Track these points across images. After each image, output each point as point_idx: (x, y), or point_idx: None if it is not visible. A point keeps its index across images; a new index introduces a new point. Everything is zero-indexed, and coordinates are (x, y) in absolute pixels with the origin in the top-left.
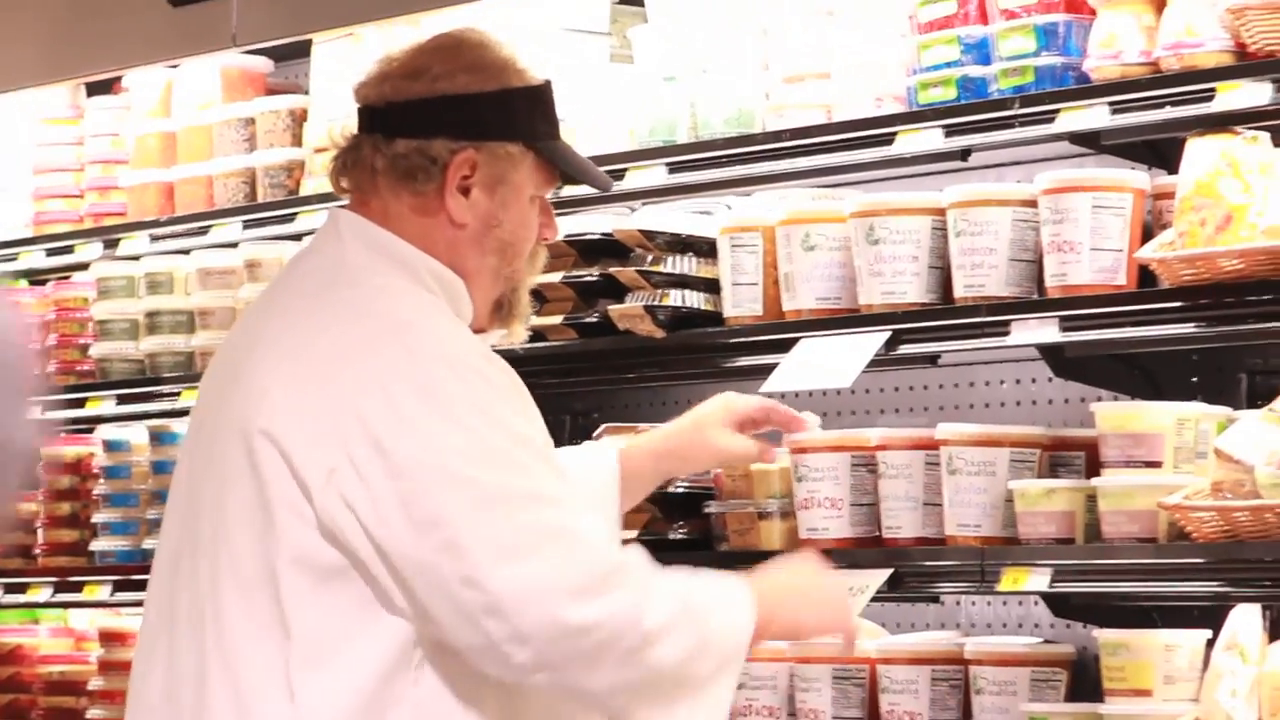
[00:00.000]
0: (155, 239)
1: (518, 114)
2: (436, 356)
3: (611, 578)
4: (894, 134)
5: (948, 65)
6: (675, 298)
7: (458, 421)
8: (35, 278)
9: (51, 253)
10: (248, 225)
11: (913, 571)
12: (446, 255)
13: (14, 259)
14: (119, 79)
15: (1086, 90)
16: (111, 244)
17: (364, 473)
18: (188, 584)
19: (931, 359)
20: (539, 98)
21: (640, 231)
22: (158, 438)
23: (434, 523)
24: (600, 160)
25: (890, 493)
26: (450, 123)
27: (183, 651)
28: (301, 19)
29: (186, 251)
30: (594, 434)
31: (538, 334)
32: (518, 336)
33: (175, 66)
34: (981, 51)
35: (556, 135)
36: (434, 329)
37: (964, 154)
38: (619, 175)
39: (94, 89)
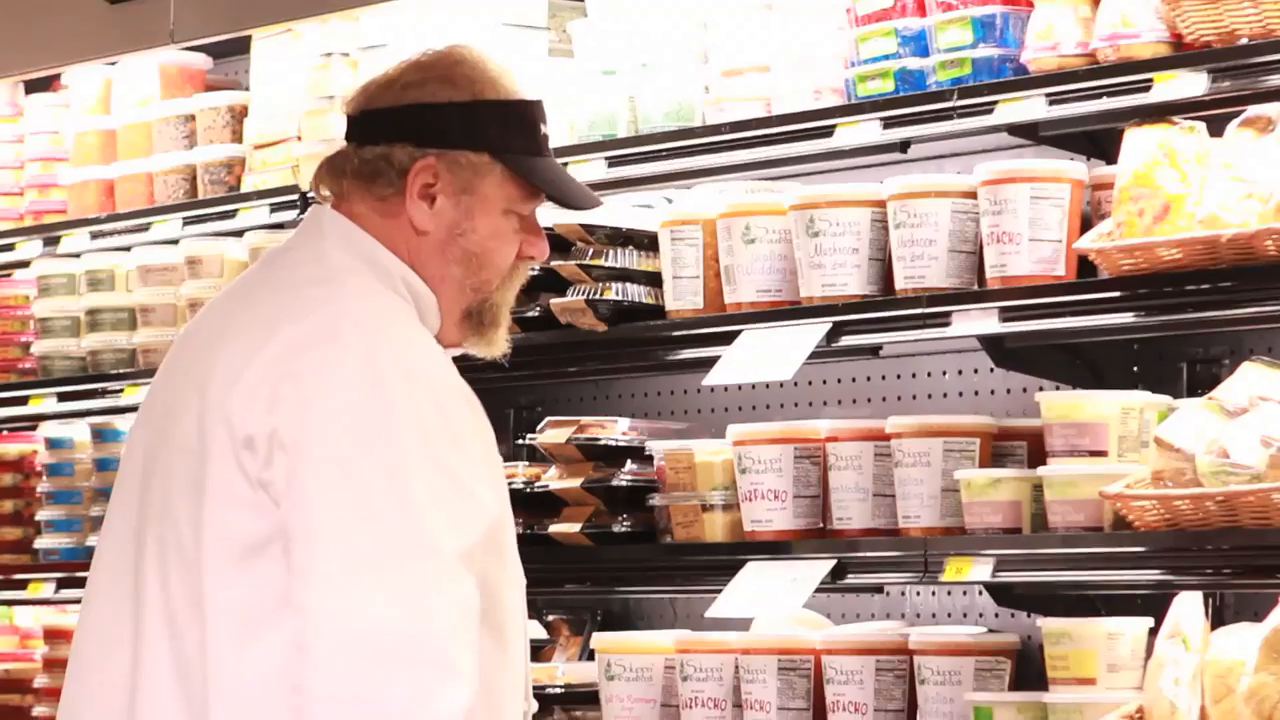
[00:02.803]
0: (96, 236)
1: (486, 125)
2: (390, 360)
3: (424, 659)
4: (833, 126)
5: (886, 58)
6: (616, 291)
7: (382, 436)
8: None
9: None
10: (188, 222)
11: (857, 562)
12: (409, 261)
13: None
14: (58, 76)
15: (1024, 82)
16: (52, 241)
17: (285, 454)
18: (134, 562)
19: (873, 350)
20: (516, 112)
21: (581, 225)
22: (100, 435)
23: (299, 536)
24: None
25: (840, 484)
26: (413, 130)
27: (127, 631)
28: (239, 16)
29: (127, 248)
30: (537, 427)
31: None
32: (494, 350)
33: (114, 64)
34: (919, 44)
35: (537, 151)
36: (395, 333)
37: (903, 146)
38: None
39: (33, 86)
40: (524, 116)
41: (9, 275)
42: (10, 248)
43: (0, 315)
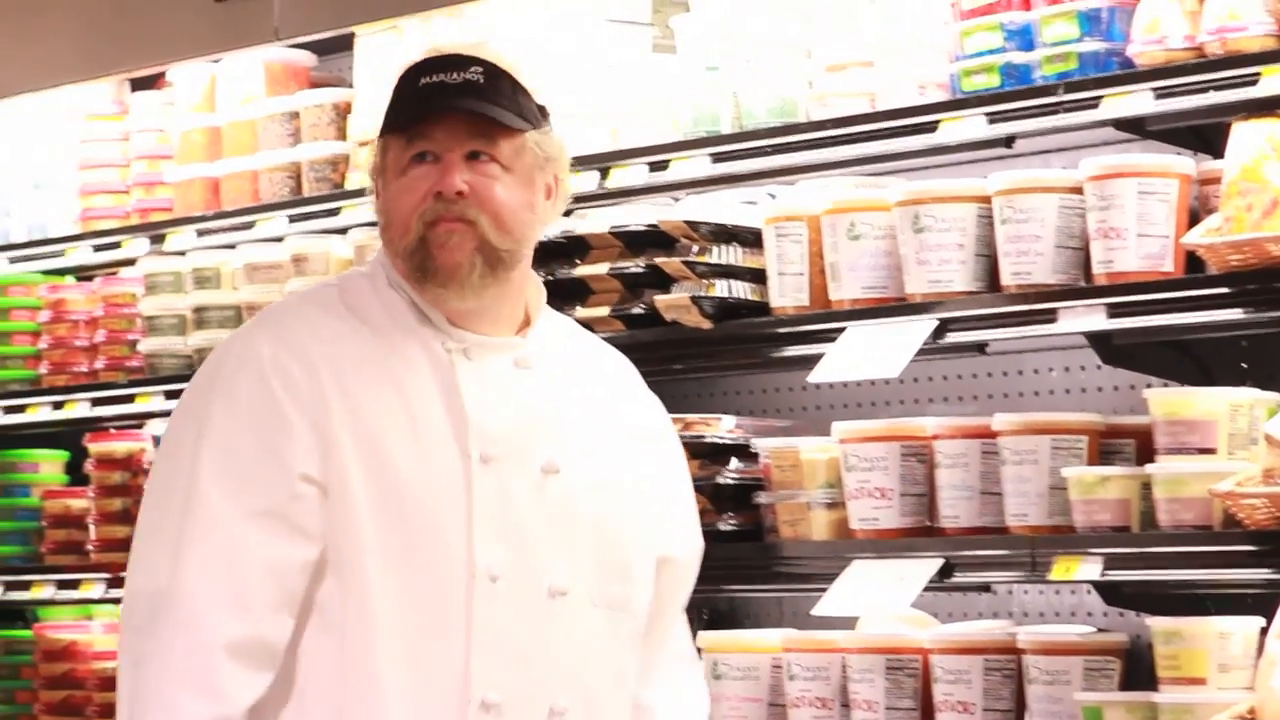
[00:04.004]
0: (202, 234)
1: (387, 111)
2: (233, 346)
3: (169, 621)
4: (938, 122)
5: (991, 52)
6: (721, 288)
7: (187, 416)
8: (83, 274)
9: (99, 249)
10: (293, 219)
11: (964, 561)
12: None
13: (61, 255)
14: (163, 74)
15: (1130, 76)
16: (158, 239)
17: None
18: None
19: (979, 347)
20: (396, 88)
21: (685, 222)
22: None
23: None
24: (644, 151)
25: (947, 482)
26: None
27: None
28: (343, 12)
29: (233, 246)
30: None
31: (585, 326)
32: (464, 298)
33: (218, 61)
34: (1025, 38)
35: (400, 125)
36: (268, 319)
37: (1008, 141)
38: (663, 165)
39: (138, 84)
40: (399, 87)
41: (115, 273)
42: (116, 246)
43: (107, 313)
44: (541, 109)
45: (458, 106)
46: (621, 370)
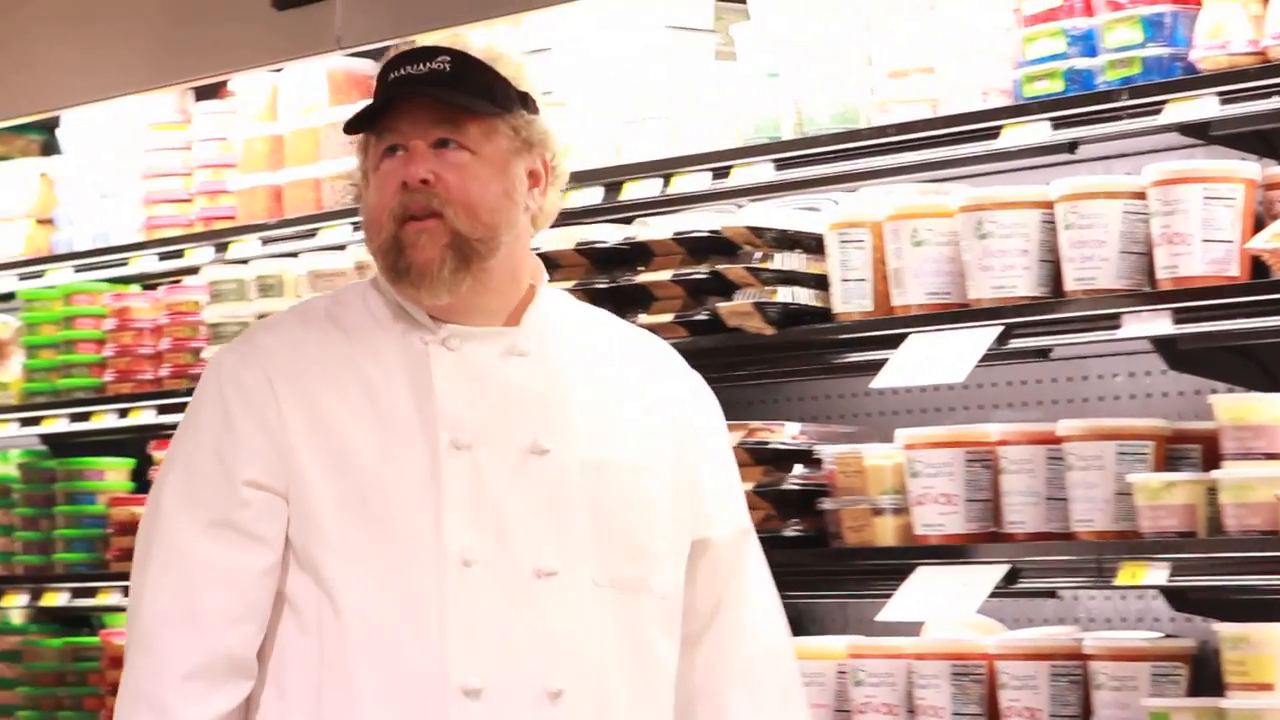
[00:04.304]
0: (265, 242)
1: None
2: (220, 358)
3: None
4: (1000, 127)
5: (1054, 58)
6: (784, 294)
7: (176, 439)
8: (147, 282)
9: (163, 257)
10: (356, 227)
11: (1030, 567)
12: None
13: (126, 263)
14: (225, 83)
15: (1194, 81)
16: (222, 248)
17: None
18: None
19: (1043, 353)
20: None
21: (748, 228)
22: None
23: None
24: (706, 158)
25: (1012, 488)
26: None
27: None
28: (405, 21)
29: (295, 254)
30: None
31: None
32: (436, 294)
33: (280, 70)
34: (1087, 43)
35: (362, 119)
36: (235, 345)
37: (1071, 146)
38: (725, 172)
39: (201, 93)
40: (376, 85)
41: (179, 282)
42: (180, 254)
43: (172, 321)
44: (525, 96)
45: (417, 93)
46: (647, 351)
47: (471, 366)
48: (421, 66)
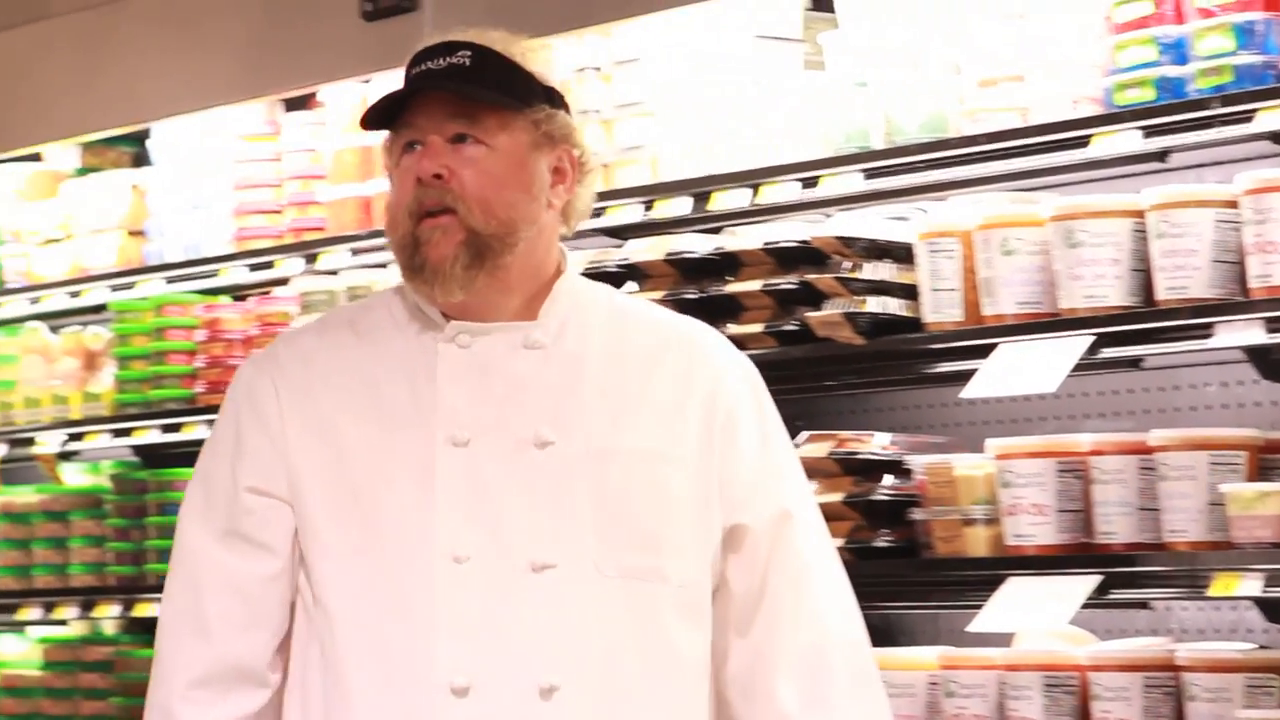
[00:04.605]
0: (355, 253)
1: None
2: (233, 388)
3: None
4: (1090, 136)
5: (1144, 66)
6: (874, 304)
7: (199, 458)
8: (238, 293)
9: (253, 268)
10: None
11: (1122, 578)
12: None
13: (216, 275)
14: (315, 94)
15: None
16: (312, 258)
17: None
18: None
19: (1134, 362)
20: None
21: (837, 238)
22: None
23: None
24: (795, 168)
25: (1103, 498)
26: None
27: None
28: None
29: (385, 265)
30: (796, 442)
31: (737, 342)
32: (449, 292)
33: (369, 81)
34: (1178, 51)
35: (377, 114)
36: (254, 358)
37: (1162, 155)
38: (814, 182)
39: (291, 105)
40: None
41: (270, 293)
42: (271, 265)
43: (263, 332)
44: (549, 90)
45: (430, 88)
46: (681, 338)
47: (480, 363)
48: (441, 61)
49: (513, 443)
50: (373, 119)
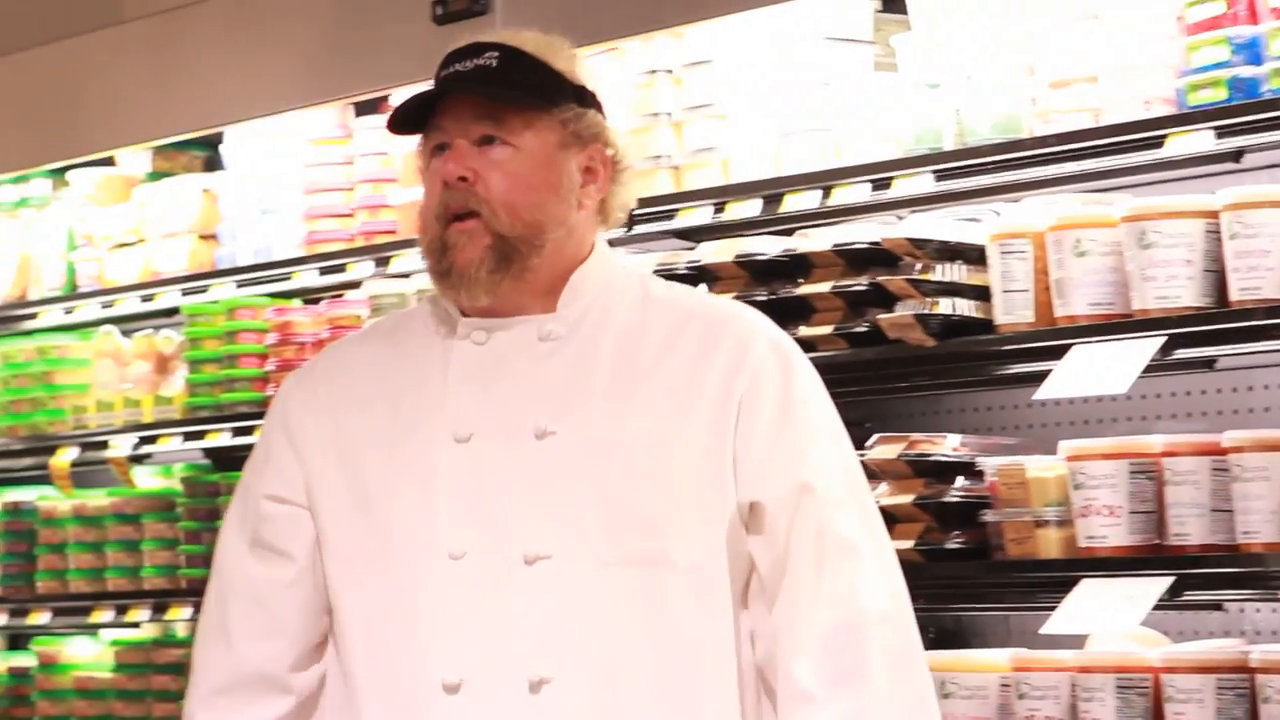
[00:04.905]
0: None
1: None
2: (274, 399)
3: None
4: (1164, 137)
5: (1218, 66)
6: (945, 305)
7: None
8: (309, 296)
9: (324, 271)
10: None
11: (1195, 579)
12: None
13: (288, 278)
14: (386, 98)
15: None
16: (383, 262)
17: None
18: None
19: (1207, 363)
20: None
21: (908, 240)
22: None
23: None
24: (866, 169)
25: (1176, 499)
26: None
27: None
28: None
29: None
30: (867, 444)
31: (808, 344)
32: (475, 295)
33: None
34: (1252, 51)
35: (402, 117)
36: (309, 363)
37: (1236, 155)
38: (885, 184)
39: (362, 108)
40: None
41: (341, 296)
42: (342, 269)
43: (333, 336)
44: (579, 90)
45: (455, 90)
46: (708, 319)
47: (492, 359)
48: (469, 63)
49: (513, 436)
50: (400, 123)
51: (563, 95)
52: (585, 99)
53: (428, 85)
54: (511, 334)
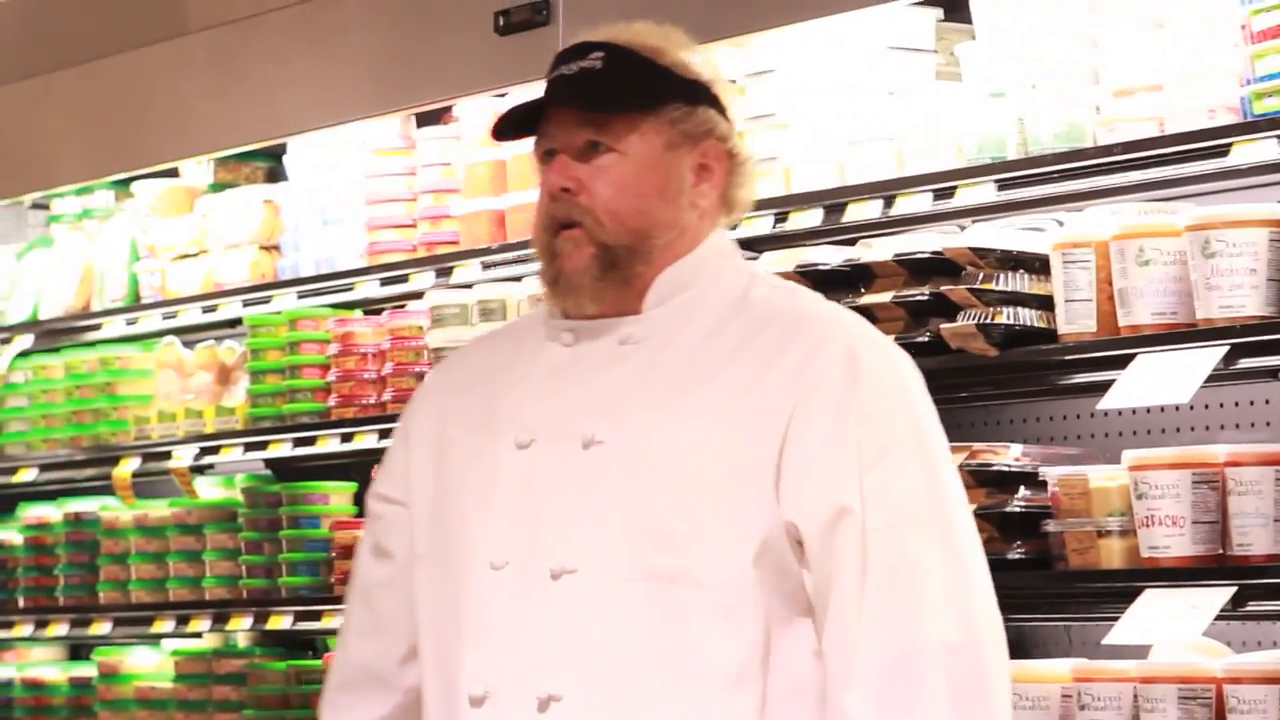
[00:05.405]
0: (487, 266)
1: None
2: None
3: None
4: (1229, 145)
5: None
6: (1008, 315)
7: None
8: (370, 307)
9: (385, 282)
10: None
11: (1258, 590)
12: None
13: (350, 289)
14: (449, 109)
15: None
16: (445, 272)
17: None
18: None
19: (1272, 373)
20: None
21: (971, 249)
22: None
23: None
24: (929, 179)
25: (1240, 509)
26: None
27: None
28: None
29: (518, 278)
30: None
31: None
32: (581, 303)
33: (503, 95)
34: None
35: (522, 129)
36: (442, 362)
37: None
38: (948, 193)
39: (424, 119)
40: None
41: (403, 306)
42: (404, 279)
43: (395, 346)
44: (691, 85)
45: (552, 102)
46: (792, 318)
47: (572, 362)
48: (574, 65)
49: (566, 444)
50: (507, 130)
51: (671, 94)
52: (697, 94)
53: (493, 95)
54: (596, 337)
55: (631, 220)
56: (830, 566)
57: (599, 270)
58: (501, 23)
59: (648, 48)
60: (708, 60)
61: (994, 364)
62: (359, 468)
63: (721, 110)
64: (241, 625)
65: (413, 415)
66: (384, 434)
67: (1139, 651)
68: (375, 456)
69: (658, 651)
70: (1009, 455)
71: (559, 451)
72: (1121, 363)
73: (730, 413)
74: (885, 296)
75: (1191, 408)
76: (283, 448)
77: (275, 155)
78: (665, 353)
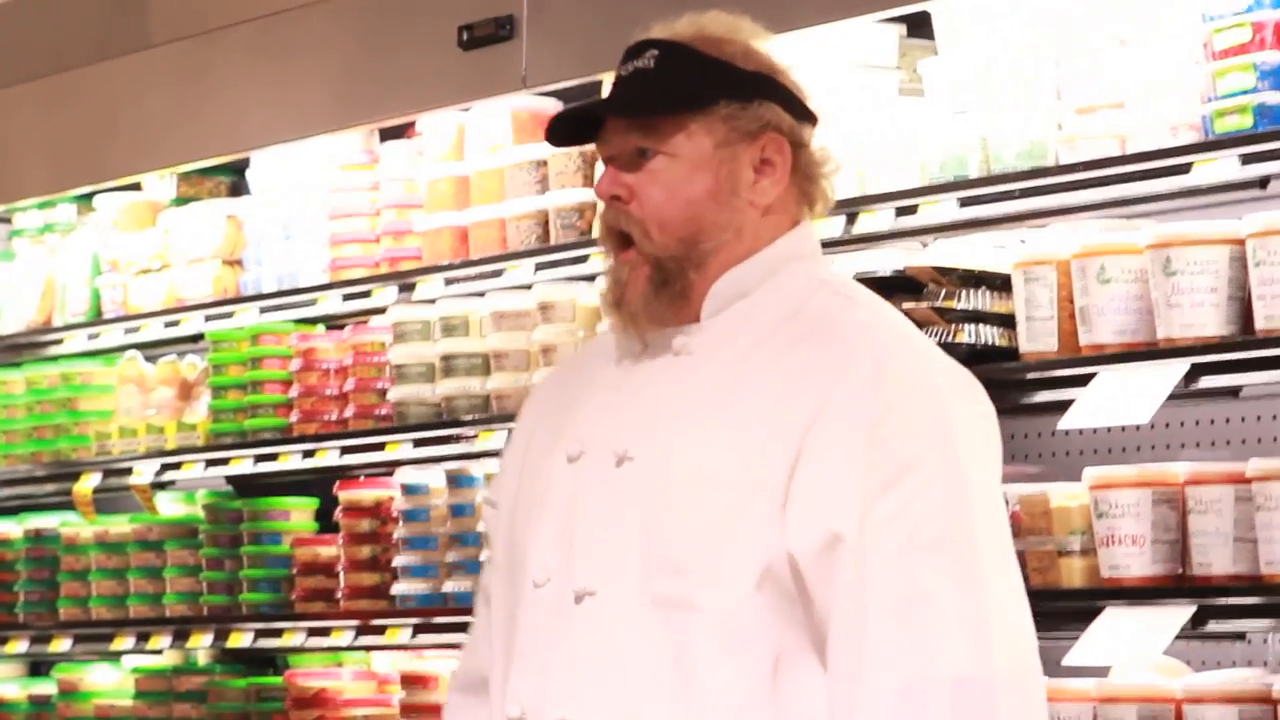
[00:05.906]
0: (450, 282)
1: None
2: None
3: None
4: (1190, 164)
5: (1244, 93)
6: (969, 333)
7: None
8: (333, 322)
9: (348, 297)
10: (540, 267)
11: (1218, 609)
12: None
13: (313, 304)
14: (412, 124)
15: None
16: (407, 288)
17: None
18: None
19: (1233, 392)
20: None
21: (933, 268)
22: (455, 480)
23: None
24: (891, 196)
25: (1200, 528)
26: None
27: None
28: (591, 60)
29: (481, 294)
30: None
31: None
32: (637, 325)
33: (466, 110)
34: (1278, 78)
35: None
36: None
37: (1262, 182)
38: (910, 210)
39: (387, 134)
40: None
41: (365, 322)
42: (366, 294)
43: (357, 362)
44: (751, 78)
45: (592, 110)
46: (833, 333)
47: (629, 375)
48: (629, 65)
49: (605, 460)
50: (559, 136)
51: (723, 89)
52: (757, 87)
53: (457, 109)
54: (657, 348)
55: (680, 228)
56: (829, 596)
57: (653, 290)
58: (465, 38)
59: (708, 40)
60: (775, 52)
61: None
62: (320, 484)
63: (787, 102)
64: (202, 642)
65: (519, 419)
66: (346, 450)
67: (1099, 671)
68: (337, 473)
69: (666, 680)
70: None
71: (599, 467)
72: (1083, 381)
73: (751, 431)
74: None
75: (1152, 426)
76: (244, 464)
77: (238, 170)
78: (708, 365)
